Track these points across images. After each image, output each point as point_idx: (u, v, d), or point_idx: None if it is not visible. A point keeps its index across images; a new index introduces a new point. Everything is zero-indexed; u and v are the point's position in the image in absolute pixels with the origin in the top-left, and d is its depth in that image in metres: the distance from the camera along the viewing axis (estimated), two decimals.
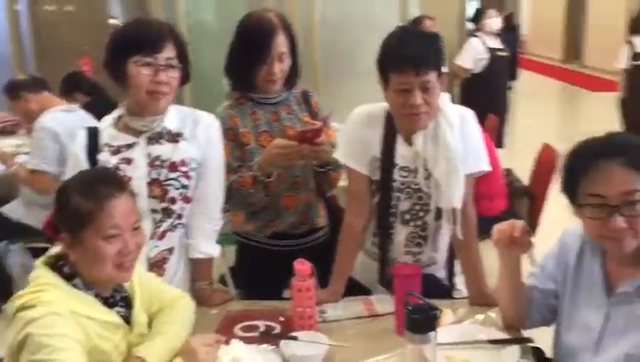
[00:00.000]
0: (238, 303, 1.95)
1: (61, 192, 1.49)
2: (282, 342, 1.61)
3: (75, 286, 1.47)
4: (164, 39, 1.78)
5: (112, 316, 1.50)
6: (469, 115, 1.88)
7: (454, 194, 1.82)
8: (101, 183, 1.47)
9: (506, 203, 3.20)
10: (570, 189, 1.49)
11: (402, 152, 1.87)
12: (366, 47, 5.61)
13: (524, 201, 3.41)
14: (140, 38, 1.77)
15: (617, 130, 5.65)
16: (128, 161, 1.81)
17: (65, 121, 3.41)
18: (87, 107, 3.81)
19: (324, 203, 2.25)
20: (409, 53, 1.72)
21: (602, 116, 6.88)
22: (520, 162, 3.83)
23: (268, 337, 1.67)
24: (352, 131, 1.93)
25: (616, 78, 6.00)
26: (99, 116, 3.43)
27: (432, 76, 1.74)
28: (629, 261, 1.48)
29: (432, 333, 1.30)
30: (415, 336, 1.30)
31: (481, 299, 1.85)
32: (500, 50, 5.53)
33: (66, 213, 1.46)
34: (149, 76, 1.76)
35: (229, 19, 2.34)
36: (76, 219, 1.43)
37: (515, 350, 1.60)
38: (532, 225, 3.39)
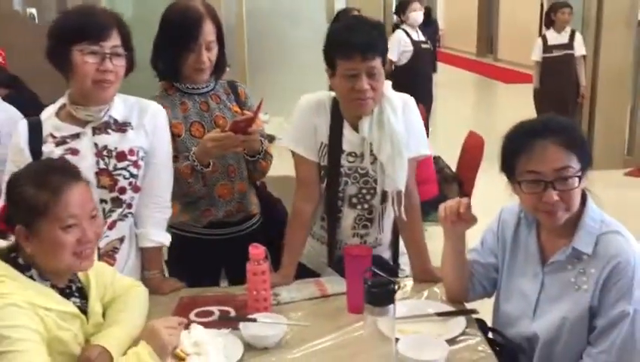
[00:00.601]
0: (188, 290, 1.96)
1: (12, 184, 1.46)
2: (242, 325, 1.64)
3: (30, 277, 1.44)
4: (109, 27, 1.76)
5: (69, 306, 1.48)
6: (410, 101, 1.97)
7: (399, 177, 1.91)
8: (55, 173, 1.45)
9: (437, 188, 3.36)
10: (509, 167, 1.61)
11: (349, 138, 1.94)
12: (293, 40, 5.69)
13: (454, 187, 3.57)
14: (84, 26, 1.74)
15: (530, 116, 6.03)
16: (74, 152, 1.78)
17: None
18: (7, 100, 3.65)
19: (255, 191, 2.29)
20: (356, 40, 1.78)
21: (515, 106, 7.25)
22: (444, 150, 4.00)
23: (225, 321, 1.70)
24: (301, 119, 1.98)
25: (527, 71, 6.33)
26: (19, 109, 3.32)
27: (377, 62, 1.81)
28: (561, 232, 1.61)
29: (390, 306, 1.37)
30: (375, 309, 1.37)
31: (425, 276, 1.95)
32: (423, 42, 5.72)
33: (19, 206, 1.43)
34: (95, 65, 1.74)
35: (149, 10, 2.31)
36: (31, 211, 1.41)
37: (461, 321, 1.71)
38: None
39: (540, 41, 6.05)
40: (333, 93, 1.96)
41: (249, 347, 1.60)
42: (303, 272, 2.05)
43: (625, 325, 1.49)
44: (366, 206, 1.99)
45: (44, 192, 1.41)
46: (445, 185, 3.54)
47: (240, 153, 2.09)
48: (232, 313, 1.78)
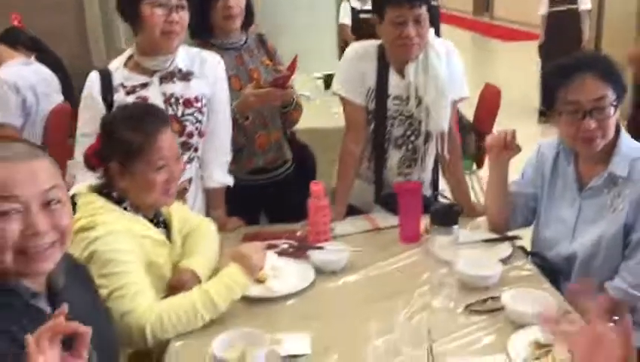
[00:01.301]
0: (249, 228, 2.12)
1: (109, 125, 1.60)
2: (310, 252, 1.81)
3: (125, 209, 1.60)
4: None
5: (160, 234, 1.65)
6: (452, 47, 2.11)
7: (442, 119, 2.06)
8: (149, 118, 1.60)
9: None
10: (549, 100, 1.77)
11: (395, 83, 2.08)
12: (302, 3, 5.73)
13: (472, 137, 3.73)
14: None
15: (532, 73, 6.22)
16: (144, 100, 1.92)
17: (25, 74, 3.38)
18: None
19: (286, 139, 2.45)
20: None
21: (514, 63, 7.38)
22: None
23: (295, 251, 1.86)
24: (348, 66, 2.12)
25: (524, 28, 6.42)
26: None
27: (423, 10, 1.95)
28: (598, 160, 1.77)
29: (455, 226, 1.54)
30: (441, 229, 1.54)
31: (468, 210, 2.12)
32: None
33: (116, 146, 1.57)
34: (163, 16, 1.86)
35: None
36: (127, 152, 1.56)
37: (506, 246, 1.89)
38: (480, 158, 3.74)
39: None
40: (379, 41, 2.10)
41: (318, 271, 1.77)
42: (352, 211, 2.21)
43: None
44: (410, 146, 2.14)
45: (140, 135, 1.56)
46: (464, 134, 3.68)
47: (276, 105, 2.23)
48: (296, 245, 1.94)
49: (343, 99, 2.14)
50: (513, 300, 1.53)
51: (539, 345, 1.38)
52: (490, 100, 3.75)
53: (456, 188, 2.18)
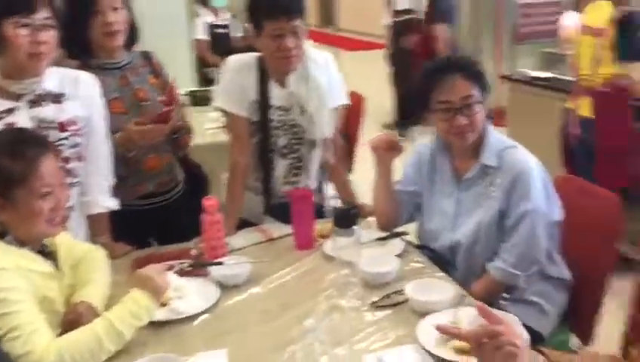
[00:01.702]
0: (138, 253, 2.04)
1: None
2: (211, 269, 1.79)
3: (9, 243, 1.48)
4: None
5: (49, 267, 1.54)
6: (329, 58, 2.18)
7: (326, 126, 2.13)
8: (29, 144, 1.49)
9: None
10: (424, 101, 1.91)
11: (277, 94, 2.11)
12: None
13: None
14: (14, 0, 1.73)
15: (379, 80, 6.62)
16: (12, 126, 1.78)
17: None
18: None
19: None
20: (282, 2, 1.96)
21: (358, 71, 7.76)
22: None
23: (193, 270, 1.81)
24: (229, 79, 2.12)
25: (368, 38, 6.78)
26: None
27: (300, 22, 2.00)
28: (470, 154, 1.93)
29: (355, 227, 1.60)
30: (342, 231, 1.59)
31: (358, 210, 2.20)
32: None
33: None
34: (28, 37, 1.74)
35: None
36: (7, 181, 1.44)
37: (397, 242, 1.99)
38: (349, 163, 3.87)
39: (388, 6, 6.50)
40: (257, 54, 2.12)
41: (221, 286, 1.75)
42: (243, 225, 2.20)
43: (528, 221, 1.84)
44: (296, 155, 2.18)
45: (20, 162, 1.45)
46: None
47: None
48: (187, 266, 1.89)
49: (226, 113, 2.14)
50: (415, 291, 1.62)
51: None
52: (356, 107, 3.90)
53: (342, 191, 2.26)
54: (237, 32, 6.15)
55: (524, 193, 1.84)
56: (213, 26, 6.16)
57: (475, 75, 1.88)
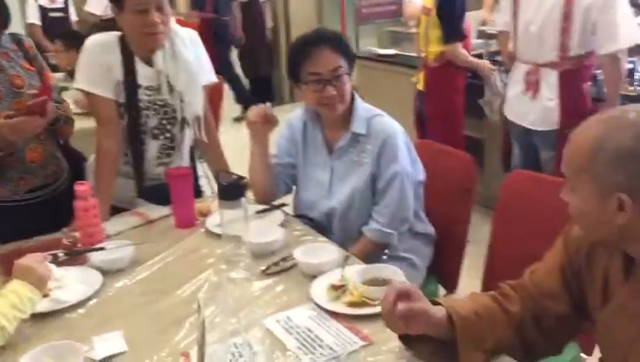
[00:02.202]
0: (2, 248, 1.89)
1: None
2: (91, 255, 1.72)
3: None
4: None
5: None
6: (195, 34, 2.16)
7: (197, 104, 2.11)
8: None
9: None
10: (295, 74, 1.97)
11: (144, 73, 2.05)
12: None
13: None
14: None
15: None
16: None
17: None
18: None
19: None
20: None
21: None
22: None
23: (71, 257, 1.73)
24: (89, 60, 2.02)
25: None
26: None
27: None
28: (340, 124, 2.03)
29: (243, 199, 1.62)
30: (228, 203, 1.61)
31: None
32: None
33: None
34: None
35: None
36: None
37: (279, 213, 2.04)
38: None
39: None
40: (117, 33, 2.04)
41: (104, 272, 1.69)
42: (115, 211, 2.12)
43: (397, 183, 1.97)
44: (168, 135, 2.14)
45: None
46: None
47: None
48: (63, 255, 1.80)
49: (89, 95, 2.04)
50: (303, 255, 1.69)
51: (335, 287, 1.55)
52: (215, 91, 3.87)
53: (218, 168, 2.26)
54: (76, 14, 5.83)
55: (392, 156, 1.97)
56: (47, 10, 5.78)
57: (343, 48, 1.97)
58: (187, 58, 2.07)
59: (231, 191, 1.61)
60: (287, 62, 1.99)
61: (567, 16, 2.70)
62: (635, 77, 3.23)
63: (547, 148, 2.93)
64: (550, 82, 2.84)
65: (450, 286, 2.18)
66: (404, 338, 1.30)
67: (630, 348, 1.16)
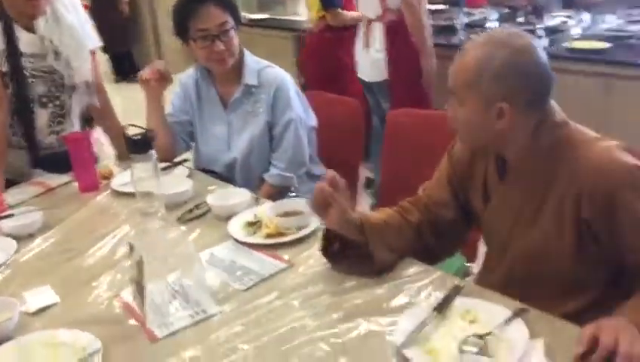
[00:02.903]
0: None
1: None
2: (1, 222, 1.70)
3: None
4: None
5: None
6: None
7: (85, 69, 2.11)
8: None
9: None
10: (183, 31, 2.03)
11: (26, 40, 2.01)
12: None
13: None
14: None
15: None
16: None
17: None
18: None
19: None
20: None
21: None
22: None
23: None
24: None
25: None
26: None
27: None
28: (232, 78, 2.11)
29: (152, 151, 1.68)
30: (140, 156, 1.66)
31: None
32: None
33: None
34: None
35: None
36: None
37: (181, 169, 2.10)
38: None
39: None
40: None
41: (15, 238, 1.69)
42: (9, 185, 2.08)
43: (292, 128, 2.10)
44: (57, 103, 2.12)
45: None
46: None
47: None
48: None
49: None
50: (215, 200, 1.78)
51: (250, 223, 1.67)
52: None
53: (111, 129, 2.26)
54: None
55: (286, 103, 2.10)
56: None
57: (227, 3, 2.04)
58: (71, 23, 2.05)
59: (141, 143, 1.66)
60: (173, 21, 2.04)
61: None
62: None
63: (385, 98, 3.21)
64: (376, 35, 3.10)
65: None
66: (327, 254, 1.45)
67: (509, 235, 1.38)
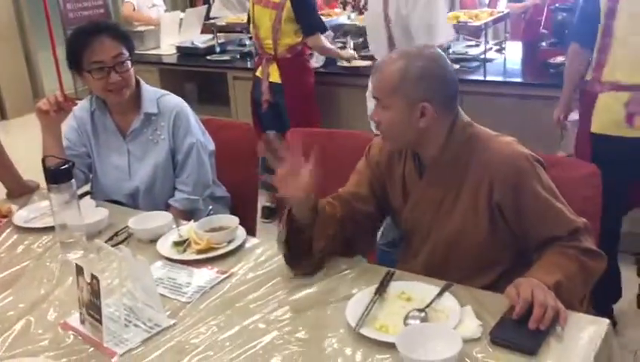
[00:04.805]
0: None
1: None
2: None
3: None
4: None
5: None
6: None
7: None
8: None
9: None
10: (76, 63, 2.04)
11: None
12: None
13: None
14: None
15: None
16: None
17: None
18: None
19: None
20: None
21: None
22: None
23: None
24: None
25: None
26: None
27: None
28: (130, 108, 2.14)
29: (72, 180, 1.68)
30: (61, 186, 1.66)
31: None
32: None
33: None
34: None
35: None
36: None
37: (88, 200, 2.08)
38: None
39: None
40: None
41: None
42: None
43: (194, 152, 2.16)
44: None
45: None
46: None
47: None
48: None
49: None
50: (137, 224, 1.81)
51: (177, 243, 1.73)
52: None
53: (5, 171, 2.17)
54: None
55: (186, 129, 2.16)
56: None
57: (122, 35, 2.08)
58: None
59: (60, 174, 1.66)
60: (67, 53, 2.04)
61: None
62: None
63: None
64: None
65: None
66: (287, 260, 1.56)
67: (430, 226, 1.59)
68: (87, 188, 2.22)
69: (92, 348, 1.32)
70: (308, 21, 3.48)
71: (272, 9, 3.49)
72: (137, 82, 2.16)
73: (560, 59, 3.13)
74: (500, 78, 3.42)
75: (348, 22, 4.28)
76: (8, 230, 1.92)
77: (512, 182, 1.46)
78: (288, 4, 3.42)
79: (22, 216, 1.96)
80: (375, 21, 3.11)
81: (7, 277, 1.65)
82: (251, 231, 2.39)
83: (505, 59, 3.66)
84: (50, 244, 1.79)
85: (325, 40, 3.60)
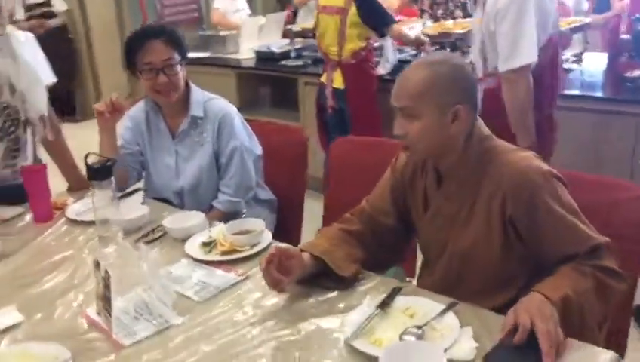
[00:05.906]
0: None
1: None
2: None
3: None
4: None
5: None
6: (31, 35, 2.23)
7: (40, 103, 2.19)
8: None
9: None
10: (132, 63, 2.16)
11: None
12: None
13: None
14: None
15: None
16: None
17: None
18: None
19: None
20: None
21: None
22: None
23: None
24: None
25: None
26: None
27: None
28: (179, 110, 2.24)
29: (111, 178, 1.79)
30: (101, 183, 1.77)
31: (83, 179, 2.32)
32: None
33: None
34: None
35: None
36: None
37: (137, 197, 2.19)
38: None
39: None
40: None
41: None
42: None
43: (237, 156, 2.23)
44: (11, 137, 2.18)
45: None
46: None
47: None
48: None
49: None
50: (171, 223, 1.89)
51: (205, 243, 1.79)
52: None
53: (66, 165, 2.34)
54: None
55: (230, 133, 2.23)
56: None
57: (175, 40, 2.18)
58: (26, 58, 2.14)
59: (101, 171, 1.77)
60: (124, 54, 2.17)
61: None
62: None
63: None
64: None
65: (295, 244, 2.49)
66: None
67: (446, 237, 1.55)
68: (139, 184, 2.35)
69: (101, 339, 1.40)
70: (380, 17, 3.54)
71: (337, 14, 3.55)
72: (187, 85, 2.25)
73: (638, 72, 2.95)
74: (576, 92, 3.27)
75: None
76: (61, 221, 2.06)
77: (525, 196, 1.41)
78: (353, 8, 3.47)
79: (74, 209, 2.10)
80: (475, 31, 3.06)
81: (49, 265, 1.77)
82: (295, 234, 2.46)
83: (581, 71, 3.49)
84: (93, 237, 1.91)
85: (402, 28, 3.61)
